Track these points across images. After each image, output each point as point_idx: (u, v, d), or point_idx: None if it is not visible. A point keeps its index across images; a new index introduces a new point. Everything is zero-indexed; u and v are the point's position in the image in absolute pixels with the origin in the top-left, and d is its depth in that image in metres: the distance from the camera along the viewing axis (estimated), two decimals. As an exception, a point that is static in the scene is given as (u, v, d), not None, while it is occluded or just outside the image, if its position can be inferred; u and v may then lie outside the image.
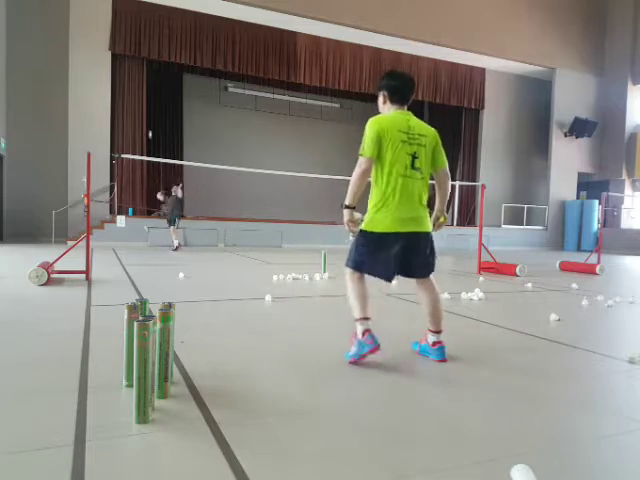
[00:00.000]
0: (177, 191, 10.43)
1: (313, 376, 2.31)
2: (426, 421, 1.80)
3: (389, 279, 2.56)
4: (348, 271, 2.59)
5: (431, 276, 2.64)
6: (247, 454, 1.49)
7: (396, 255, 2.49)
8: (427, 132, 2.57)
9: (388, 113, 2.58)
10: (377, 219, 2.47)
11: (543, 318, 3.84)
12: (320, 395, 2.05)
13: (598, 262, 8.06)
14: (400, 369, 2.45)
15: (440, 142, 2.63)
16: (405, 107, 2.60)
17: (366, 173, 2.44)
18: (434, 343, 2.62)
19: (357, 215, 2.50)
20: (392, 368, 2.46)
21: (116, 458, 1.46)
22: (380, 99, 2.65)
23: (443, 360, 2.57)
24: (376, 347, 2.41)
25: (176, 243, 10.29)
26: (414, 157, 2.48)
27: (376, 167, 2.49)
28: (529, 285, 5.98)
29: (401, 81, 2.59)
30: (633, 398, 2.15)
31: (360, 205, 2.50)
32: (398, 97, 2.58)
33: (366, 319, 2.48)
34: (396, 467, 1.45)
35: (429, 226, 2.58)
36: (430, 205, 2.54)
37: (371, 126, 2.46)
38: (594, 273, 7.77)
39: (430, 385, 2.23)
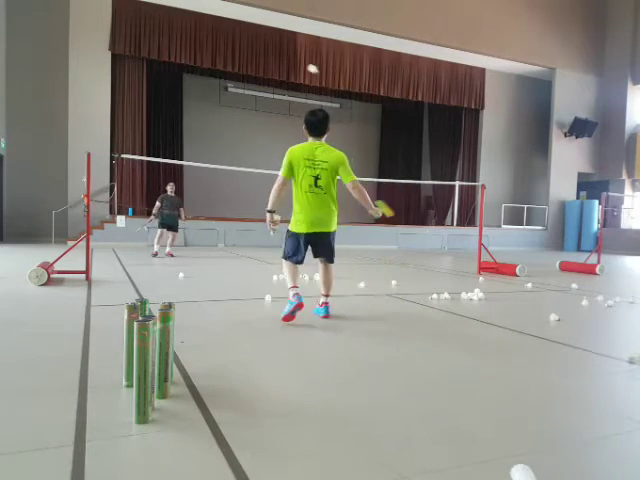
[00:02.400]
0: (170, 189, 9.56)
1: (313, 376, 2.31)
2: (426, 421, 1.81)
3: (300, 262, 3.52)
4: (283, 259, 3.58)
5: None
6: (247, 454, 1.49)
7: (306, 246, 3.49)
8: (329, 158, 3.41)
9: (306, 141, 3.49)
10: (294, 223, 3.49)
11: (543, 318, 3.84)
12: (320, 395, 2.05)
13: (598, 262, 8.06)
14: (399, 370, 2.45)
15: (343, 163, 3.44)
16: (321, 138, 3.47)
17: (281, 187, 3.47)
18: (322, 303, 3.64)
19: (276, 217, 3.49)
20: (389, 369, 2.46)
21: (116, 458, 1.46)
22: (303, 128, 3.51)
23: (326, 316, 3.58)
24: (300, 304, 3.33)
25: (168, 249, 9.14)
26: (317, 178, 3.38)
27: (294, 185, 3.43)
28: (529, 285, 5.98)
29: (315, 119, 3.44)
30: (633, 398, 2.15)
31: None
32: (312, 131, 3.47)
33: (295, 287, 3.44)
34: (396, 467, 1.45)
35: (329, 227, 3.49)
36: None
37: (287, 154, 3.44)
38: (594, 273, 7.77)
39: (430, 385, 2.23)
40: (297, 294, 3.37)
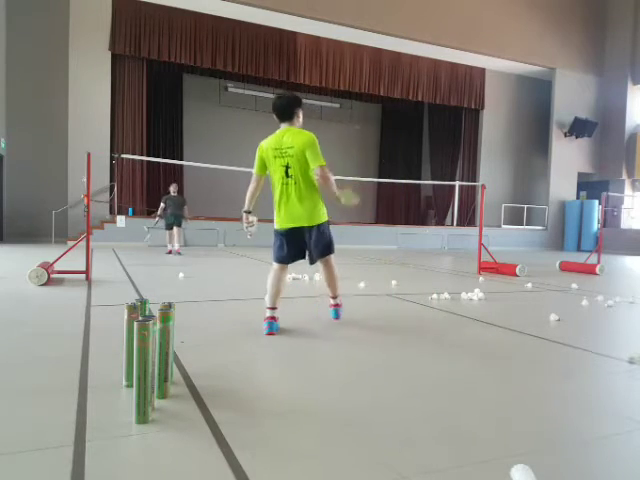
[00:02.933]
0: (173, 189, 9.83)
1: (313, 376, 2.31)
2: (426, 422, 1.80)
3: (284, 261, 3.21)
4: (273, 264, 3.26)
5: (331, 257, 3.30)
6: (247, 454, 1.49)
7: (291, 244, 3.19)
8: (294, 143, 3.07)
9: (275, 132, 3.20)
10: (275, 219, 3.22)
11: (543, 318, 3.84)
12: (320, 395, 2.05)
13: (598, 262, 8.06)
14: (399, 370, 2.45)
15: (311, 146, 3.06)
16: (287, 123, 3.17)
17: (254, 185, 3.30)
18: (331, 305, 3.48)
19: (251, 218, 3.25)
20: (389, 369, 2.47)
21: (116, 458, 1.46)
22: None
23: (335, 319, 3.42)
24: (271, 333, 3.01)
25: (177, 246, 9.66)
26: (287, 167, 3.10)
27: (271, 180, 3.22)
28: (529, 285, 5.98)
29: (279, 103, 3.17)
30: (633, 398, 2.15)
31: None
32: (278, 116, 3.20)
33: (272, 309, 3.16)
34: (396, 467, 1.45)
35: (311, 221, 3.15)
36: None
37: (257, 150, 3.23)
38: (594, 273, 7.77)
39: (430, 385, 2.23)
40: (271, 320, 3.08)
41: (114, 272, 6.19)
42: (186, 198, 10.47)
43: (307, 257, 3.29)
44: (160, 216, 9.53)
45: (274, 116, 3.20)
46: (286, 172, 3.10)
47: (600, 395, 2.19)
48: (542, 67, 16.62)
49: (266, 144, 3.17)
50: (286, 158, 3.08)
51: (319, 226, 3.19)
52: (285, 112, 3.17)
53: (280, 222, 3.18)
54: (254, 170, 3.26)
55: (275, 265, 3.23)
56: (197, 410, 1.82)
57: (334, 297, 3.44)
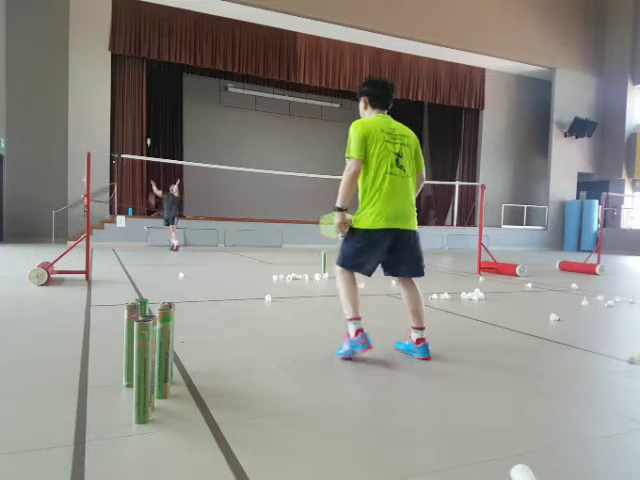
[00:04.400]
0: (174, 189, 10.32)
1: (313, 376, 2.31)
2: (425, 421, 1.81)
3: (369, 273, 2.61)
4: (339, 269, 2.63)
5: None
6: (247, 454, 1.49)
7: (382, 252, 2.56)
8: (409, 133, 2.68)
9: (369, 117, 2.67)
10: (366, 217, 2.53)
11: (543, 318, 3.84)
12: (319, 395, 2.05)
13: (598, 262, 8.06)
14: (399, 368, 2.45)
15: (420, 146, 2.73)
16: (385, 112, 2.70)
17: (356, 174, 2.51)
18: (418, 340, 2.64)
19: (348, 217, 2.57)
20: (391, 368, 2.46)
21: (116, 458, 1.46)
22: (361, 104, 2.75)
23: (427, 358, 2.60)
24: (370, 347, 2.47)
25: (175, 243, 10.20)
26: (399, 156, 2.56)
27: (364, 168, 2.54)
28: (529, 285, 5.98)
29: (381, 88, 2.69)
30: (633, 398, 2.15)
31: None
32: (378, 103, 2.68)
33: (358, 319, 2.53)
34: (396, 467, 1.45)
35: (416, 225, 2.64)
36: (417, 205, 2.56)
37: (355, 128, 2.54)
38: (594, 273, 7.77)
39: (429, 385, 2.23)
40: (363, 333, 2.47)
41: (114, 272, 6.19)
42: (184, 199, 11.08)
43: (396, 271, 2.66)
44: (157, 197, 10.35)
45: (370, 100, 2.68)
46: (397, 161, 2.54)
47: (600, 395, 2.19)
48: (542, 67, 16.62)
49: (371, 124, 2.56)
50: (398, 146, 2.57)
51: (417, 233, 2.66)
52: (387, 97, 2.69)
53: (377, 221, 2.49)
54: (354, 153, 2.50)
55: (345, 272, 2.61)
56: (197, 410, 1.82)
57: (421, 328, 2.64)
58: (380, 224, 2.49)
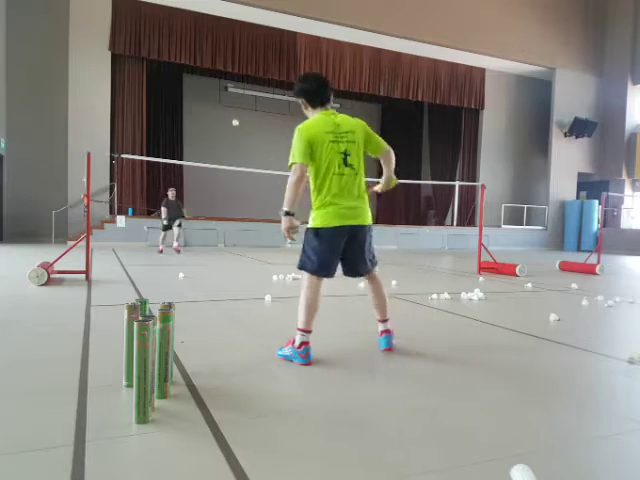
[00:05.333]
0: (172, 194, 10.12)
1: (313, 376, 2.31)
2: (425, 421, 1.80)
3: (331, 275, 2.59)
4: (305, 275, 2.58)
5: (375, 269, 2.73)
6: (247, 454, 1.49)
7: (339, 250, 2.58)
8: (354, 127, 2.61)
9: (313, 117, 2.64)
10: (320, 217, 2.54)
11: (543, 318, 3.84)
12: (320, 395, 2.05)
13: (598, 262, 8.06)
14: (399, 369, 2.45)
15: (370, 130, 2.69)
16: (328, 106, 2.65)
17: (301, 179, 2.49)
18: (381, 332, 2.74)
19: (296, 222, 2.52)
20: (391, 368, 2.46)
21: (116, 458, 1.46)
22: (302, 106, 2.72)
23: (387, 349, 2.68)
24: (309, 363, 2.46)
25: (176, 244, 10.02)
26: (346, 154, 2.55)
27: (312, 170, 2.55)
28: (529, 285, 5.98)
29: (315, 84, 2.64)
30: (632, 398, 2.15)
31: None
32: (317, 100, 2.65)
33: (308, 332, 2.51)
34: (396, 467, 1.45)
35: (369, 219, 2.66)
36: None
37: (299, 134, 2.53)
38: (594, 273, 7.77)
39: (429, 385, 2.23)
40: (307, 346, 2.47)
41: (114, 272, 6.19)
42: (184, 199, 10.84)
43: (346, 268, 2.70)
44: (165, 220, 9.87)
45: (305, 102, 2.67)
46: (344, 160, 2.55)
47: (600, 395, 2.19)
48: (542, 67, 16.62)
49: (314, 127, 2.55)
50: (344, 144, 2.55)
51: (371, 227, 2.70)
52: (323, 93, 2.65)
53: (331, 219, 2.52)
54: (298, 159, 2.49)
55: (313, 278, 2.55)
56: (197, 410, 1.82)
57: (385, 320, 2.75)
58: (334, 222, 2.52)
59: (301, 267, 2.59)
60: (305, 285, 2.57)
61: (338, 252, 2.58)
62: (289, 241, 2.58)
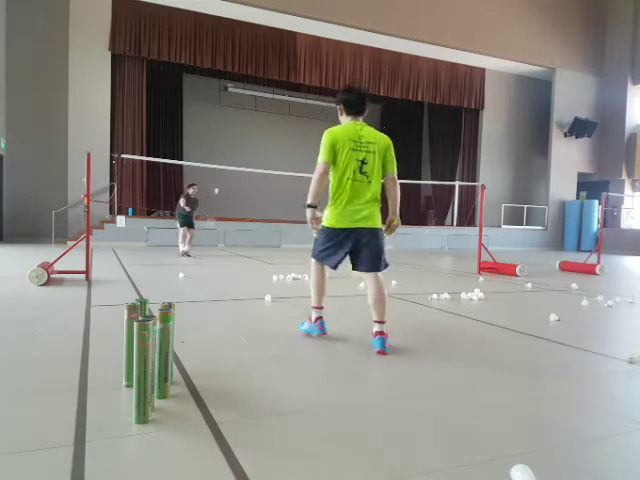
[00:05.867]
0: (194, 191, 9.35)
1: (313, 376, 2.31)
2: (425, 421, 1.80)
3: (335, 267, 2.89)
4: (312, 262, 3.00)
5: (383, 271, 2.89)
6: (247, 454, 1.49)
7: (345, 248, 2.83)
8: (377, 140, 2.87)
9: (343, 124, 2.93)
10: (331, 216, 2.83)
11: (543, 318, 3.84)
12: (320, 395, 2.05)
13: (598, 262, 8.06)
14: (399, 369, 2.45)
15: (392, 150, 2.93)
16: (359, 118, 2.93)
17: (324, 176, 2.79)
18: (375, 333, 2.79)
19: (319, 213, 2.84)
20: (391, 368, 2.46)
21: (116, 458, 1.46)
22: (338, 111, 3.01)
23: (379, 352, 2.71)
24: (324, 333, 2.99)
25: (187, 247, 9.28)
26: (363, 163, 2.80)
27: (332, 172, 2.83)
28: (529, 285, 5.98)
29: (355, 97, 2.92)
30: (632, 398, 2.15)
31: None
32: (352, 110, 2.93)
33: (320, 308, 3.01)
34: (396, 467, 1.45)
35: (377, 223, 2.85)
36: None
37: (326, 136, 2.83)
38: (594, 273, 7.77)
39: (429, 385, 2.23)
40: (321, 320, 2.98)
41: (114, 272, 6.19)
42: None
43: (355, 264, 2.90)
44: (185, 210, 9.00)
45: (344, 108, 2.92)
46: (360, 168, 2.80)
47: (600, 395, 2.19)
48: (542, 67, 16.62)
49: (340, 132, 2.83)
50: (363, 153, 2.80)
51: (380, 230, 2.87)
52: (360, 105, 2.91)
53: (340, 220, 2.79)
54: (323, 157, 2.78)
55: (317, 264, 2.97)
56: (197, 410, 1.82)
57: (381, 322, 2.80)
58: (342, 224, 2.80)
59: (312, 255, 2.98)
60: (311, 269, 3.01)
61: (342, 249, 2.82)
62: (315, 232, 2.90)
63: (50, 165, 12.08)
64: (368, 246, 2.81)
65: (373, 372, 2.40)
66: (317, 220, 2.81)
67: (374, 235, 2.82)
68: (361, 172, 2.80)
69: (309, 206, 2.79)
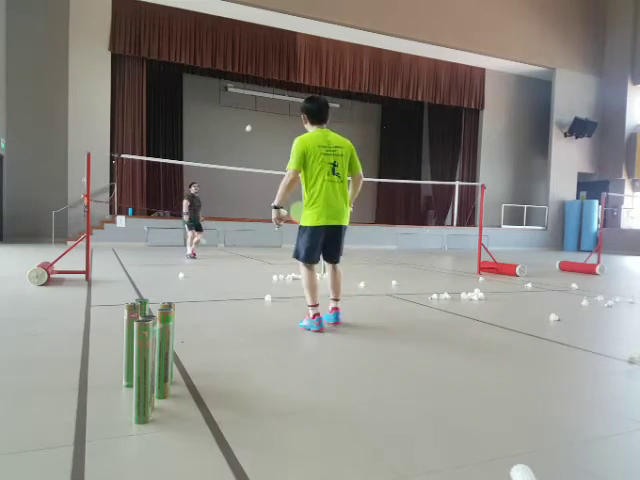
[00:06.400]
0: (195, 189, 9.06)
1: (313, 376, 2.31)
2: (425, 421, 1.81)
3: (315, 261, 3.26)
4: (301, 265, 3.28)
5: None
6: (247, 454, 1.49)
7: (321, 242, 3.20)
8: (343, 144, 3.24)
9: (311, 131, 3.24)
10: (309, 216, 3.16)
11: (543, 318, 3.84)
12: (320, 395, 2.05)
13: (598, 262, 8.06)
14: (399, 369, 2.45)
15: (355, 152, 3.31)
16: (324, 125, 3.25)
17: (294, 182, 3.13)
18: (332, 309, 3.37)
19: (283, 212, 3.21)
20: (391, 368, 2.47)
21: (116, 458, 1.46)
22: (302, 120, 3.32)
23: (336, 323, 3.32)
24: (322, 329, 3.17)
25: (193, 247, 8.94)
26: (334, 165, 3.15)
27: (305, 176, 3.15)
28: (529, 285, 5.98)
29: (316, 105, 3.24)
30: (632, 398, 2.15)
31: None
32: (316, 119, 3.24)
33: (316, 305, 3.22)
34: (396, 467, 1.45)
35: (347, 221, 3.27)
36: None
37: (297, 144, 3.12)
38: (594, 273, 7.77)
39: (429, 385, 2.23)
40: (319, 317, 3.18)
41: (114, 272, 6.19)
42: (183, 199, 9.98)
43: (326, 256, 3.35)
44: (188, 215, 8.62)
45: (306, 118, 3.26)
46: (333, 170, 3.15)
47: (600, 395, 2.19)
48: (542, 67, 16.62)
49: (309, 140, 3.13)
50: (333, 157, 3.15)
51: (347, 227, 3.33)
52: (323, 113, 3.25)
53: (319, 219, 3.13)
54: (293, 165, 3.10)
55: (305, 266, 3.26)
56: (197, 410, 1.82)
57: (337, 300, 3.39)
58: (321, 222, 3.14)
59: (295, 256, 3.28)
60: (302, 272, 3.30)
61: (319, 243, 3.21)
62: (276, 227, 3.34)
63: (50, 165, 12.08)
64: (336, 240, 3.26)
65: (373, 372, 2.40)
66: (281, 219, 3.20)
67: (343, 232, 3.28)
68: (334, 173, 3.15)
69: (275, 207, 3.16)
